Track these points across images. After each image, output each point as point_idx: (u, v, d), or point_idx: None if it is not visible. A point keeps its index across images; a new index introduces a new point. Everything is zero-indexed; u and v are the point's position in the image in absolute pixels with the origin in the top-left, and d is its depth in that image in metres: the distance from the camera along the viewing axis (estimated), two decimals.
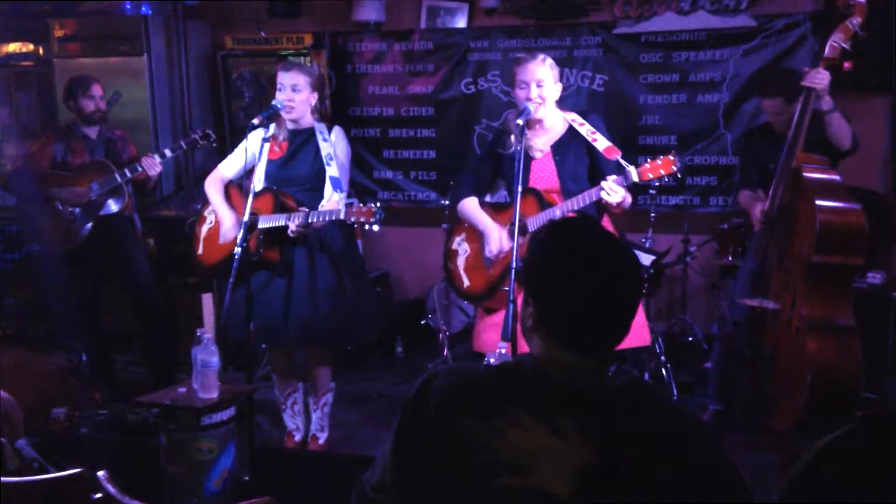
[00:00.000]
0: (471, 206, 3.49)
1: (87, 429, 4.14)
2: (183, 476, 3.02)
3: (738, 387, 3.94)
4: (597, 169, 3.30)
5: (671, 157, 3.00)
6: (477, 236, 3.47)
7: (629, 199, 3.13)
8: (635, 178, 3.03)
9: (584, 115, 3.35)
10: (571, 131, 3.32)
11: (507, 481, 1.34)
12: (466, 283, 3.50)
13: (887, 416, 1.13)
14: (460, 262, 3.54)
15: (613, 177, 3.06)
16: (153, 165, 4.31)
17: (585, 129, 3.27)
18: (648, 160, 3.05)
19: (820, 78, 3.40)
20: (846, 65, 4.67)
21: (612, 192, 3.02)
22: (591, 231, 1.47)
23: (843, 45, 3.39)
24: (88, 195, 4.33)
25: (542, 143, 3.35)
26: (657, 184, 3.09)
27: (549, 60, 3.29)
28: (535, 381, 1.41)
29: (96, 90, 4.45)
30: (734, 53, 5.19)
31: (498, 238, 3.34)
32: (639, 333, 3.32)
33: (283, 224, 3.46)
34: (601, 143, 3.22)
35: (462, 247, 3.55)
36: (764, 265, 3.68)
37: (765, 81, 4.44)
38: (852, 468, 1.08)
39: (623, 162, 3.10)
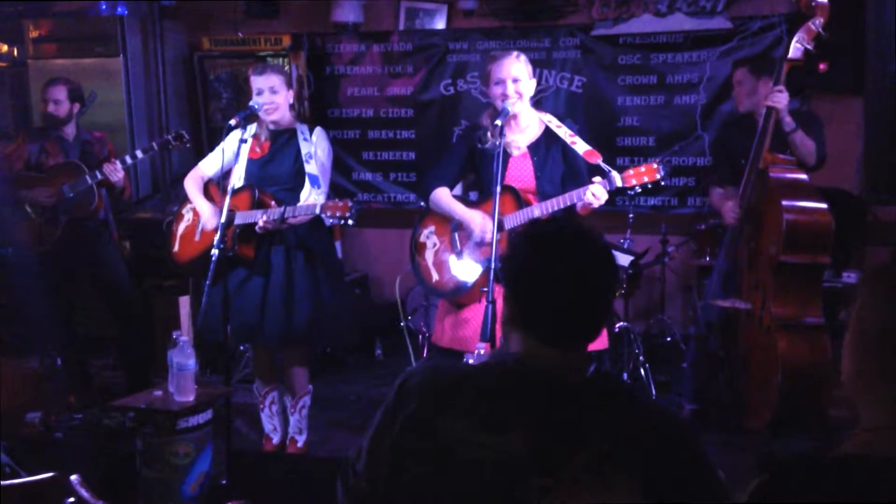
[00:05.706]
0: (444, 195, 3.38)
1: (62, 433, 4.10)
2: (159, 480, 3.00)
3: (712, 387, 3.97)
4: (574, 172, 3.24)
5: (655, 165, 2.98)
6: (447, 229, 3.39)
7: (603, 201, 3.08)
8: (619, 184, 3.00)
9: (560, 119, 3.31)
10: (549, 132, 3.27)
11: (488, 477, 1.34)
12: (435, 277, 3.41)
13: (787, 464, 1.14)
14: (429, 255, 3.45)
15: (599, 179, 3.01)
16: (114, 171, 4.20)
17: (564, 132, 3.23)
18: (633, 167, 3.03)
19: (780, 98, 3.47)
20: (821, 66, 4.73)
21: (597, 196, 2.98)
22: (568, 227, 1.50)
23: (807, 45, 3.44)
24: (60, 196, 4.27)
25: (518, 140, 3.29)
26: (638, 190, 3.07)
27: (524, 56, 3.25)
28: (514, 376, 1.42)
29: (51, 93, 4.31)
30: (711, 55, 5.23)
31: (481, 222, 3.22)
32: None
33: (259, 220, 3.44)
34: (581, 146, 3.17)
35: (431, 239, 3.46)
36: (735, 265, 3.71)
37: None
38: None
39: (605, 166, 3.05)
